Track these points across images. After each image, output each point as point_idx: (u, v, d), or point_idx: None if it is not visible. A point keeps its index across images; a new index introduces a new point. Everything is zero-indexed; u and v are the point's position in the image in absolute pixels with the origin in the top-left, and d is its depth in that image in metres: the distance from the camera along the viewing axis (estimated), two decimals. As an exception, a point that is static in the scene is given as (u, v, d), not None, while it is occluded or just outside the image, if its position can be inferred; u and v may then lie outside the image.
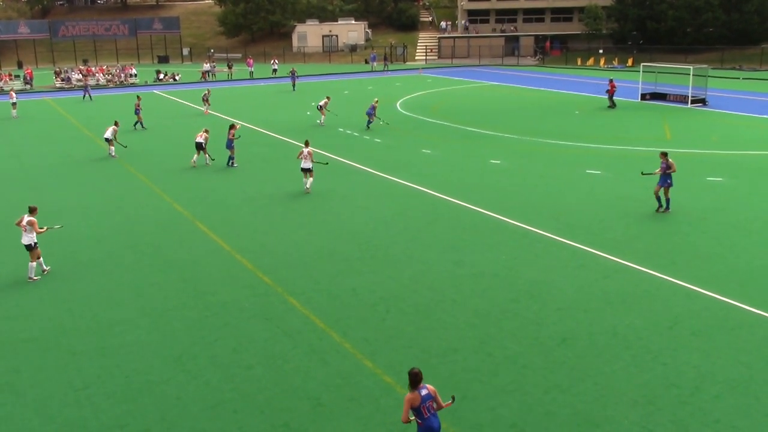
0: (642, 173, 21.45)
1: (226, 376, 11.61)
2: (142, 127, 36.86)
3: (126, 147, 30.05)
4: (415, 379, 8.45)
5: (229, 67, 67.37)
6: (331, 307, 14.15)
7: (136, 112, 36.88)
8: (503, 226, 19.12)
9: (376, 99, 36.56)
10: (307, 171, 22.96)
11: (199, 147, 27.49)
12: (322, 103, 37.15)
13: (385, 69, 69.97)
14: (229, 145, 27.18)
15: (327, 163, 25.20)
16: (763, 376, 11.23)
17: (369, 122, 35.09)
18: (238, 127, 28.14)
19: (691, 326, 12.97)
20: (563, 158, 27.59)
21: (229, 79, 64.42)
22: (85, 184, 25.03)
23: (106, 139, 29.50)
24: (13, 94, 43.62)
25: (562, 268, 15.96)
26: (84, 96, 50.58)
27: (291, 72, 54.97)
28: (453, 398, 8.88)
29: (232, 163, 27.41)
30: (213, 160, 27.81)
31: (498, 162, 27.08)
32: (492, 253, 17.05)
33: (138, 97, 38.59)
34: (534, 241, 17.90)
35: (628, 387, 10.99)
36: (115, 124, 29.92)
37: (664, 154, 19.66)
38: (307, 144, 23.22)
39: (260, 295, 14.83)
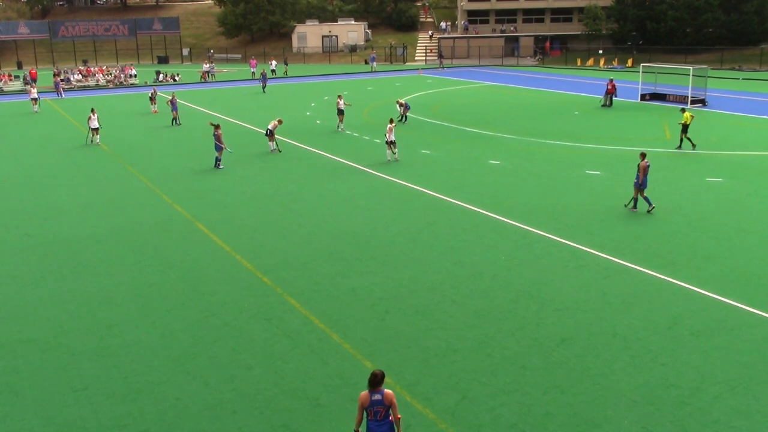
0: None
1: (226, 376, 11.61)
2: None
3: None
4: (373, 380, 8.29)
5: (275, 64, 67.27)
6: (331, 308, 14.15)
7: None
8: (503, 227, 19.12)
9: (405, 100, 38.94)
10: (390, 144, 26.95)
11: (270, 134, 29.73)
12: (342, 106, 34.87)
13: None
14: (217, 145, 26.66)
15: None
16: (763, 376, 11.24)
17: (404, 117, 37.24)
18: (220, 130, 26.81)
19: (691, 326, 12.97)
20: (563, 158, 27.59)
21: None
22: (85, 185, 25.02)
23: (94, 128, 32.81)
24: (33, 91, 46.26)
25: (562, 269, 15.96)
26: (58, 95, 52.98)
27: (262, 74, 55.43)
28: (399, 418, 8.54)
29: (219, 164, 26.93)
30: (280, 151, 29.76)
31: (497, 162, 27.08)
32: (491, 253, 17.06)
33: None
34: (533, 241, 17.90)
35: (628, 387, 10.99)
36: (92, 111, 33.27)
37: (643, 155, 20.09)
38: (391, 121, 27.44)
39: (260, 296, 14.83)
